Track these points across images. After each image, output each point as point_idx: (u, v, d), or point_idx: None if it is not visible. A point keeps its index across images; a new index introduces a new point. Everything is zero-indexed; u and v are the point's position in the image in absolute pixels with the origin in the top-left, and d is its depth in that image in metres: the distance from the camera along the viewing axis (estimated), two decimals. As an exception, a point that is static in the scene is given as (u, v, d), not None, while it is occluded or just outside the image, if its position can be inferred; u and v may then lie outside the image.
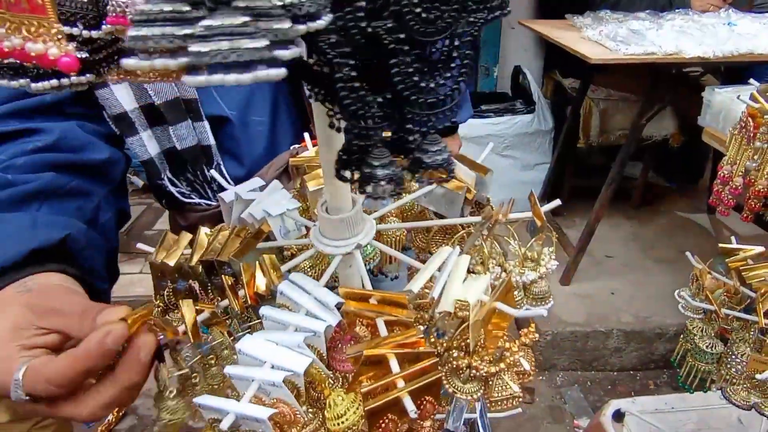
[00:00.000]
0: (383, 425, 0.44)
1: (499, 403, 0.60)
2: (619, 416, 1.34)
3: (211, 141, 0.89)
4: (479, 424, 0.76)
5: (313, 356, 0.46)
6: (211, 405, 0.42)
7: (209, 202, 0.94)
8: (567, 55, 2.43)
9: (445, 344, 0.55)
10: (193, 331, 0.51)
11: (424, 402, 0.46)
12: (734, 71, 2.73)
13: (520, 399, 0.61)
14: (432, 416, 0.48)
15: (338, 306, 0.51)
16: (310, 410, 0.48)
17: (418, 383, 0.45)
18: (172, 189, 0.92)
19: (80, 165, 0.78)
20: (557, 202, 0.68)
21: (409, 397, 0.44)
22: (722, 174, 0.93)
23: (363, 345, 0.47)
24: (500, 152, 3.29)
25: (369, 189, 0.38)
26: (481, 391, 0.58)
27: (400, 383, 0.45)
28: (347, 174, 0.40)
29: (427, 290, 0.58)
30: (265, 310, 0.50)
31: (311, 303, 0.50)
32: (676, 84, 2.52)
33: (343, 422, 0.45)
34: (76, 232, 0.70)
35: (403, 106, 0.37)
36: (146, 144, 0.86)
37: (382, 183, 0.38)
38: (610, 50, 2.27)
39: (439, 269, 0.57)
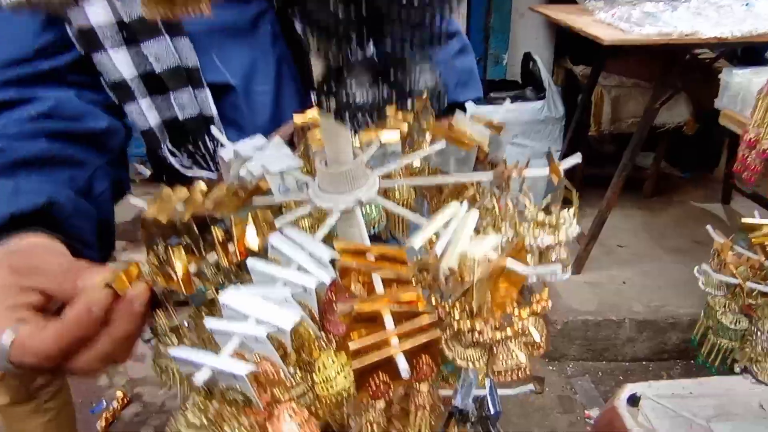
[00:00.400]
0: (374, 387, 0.40)
1: (504, 373, 0.55)
2: (634, 401, 1.29)
3: (213, 111, 0.87)
4: (489, 401, 0.72)
5: (303, 313, 0.42)
6: (186, 358, 0.38)
7: (210, 175, 0.92)
8: (578, 42, 2.38)
9: (447, 306, 0.51)
10: (185, 280, 0.48)
11: (420, 363, 0.42)
12: (750, 54, 2.66)
13: (528, 370, 0.57)
14: (429, 379, 0.43)
15: (332, 261, 0.47)
16: (299, 374, 0.43)
17: (414, 342, 0.41)
18: (173, 160, 0.90)
19: (76, 134, 0.76)
20: (578, 155, 0.61)
21: (402, 355, 0.39)
22: (748, 138, 0.88)
23: (355, 300, 0.42)
24: (510, 140, 3.23)
25: (347, 118, 0.34)
26: (484, 358, 0.53)
27: (395, 341, 0.40)
28: (325, 103, 0.36)
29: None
30: (251, 262, 0.45)
31: (304, 257, 0.46)
32: (689, 69, 2.45)
33: (332, 387, 0.41)
34: (64, 198, 0.68)
35: (383, 22, 0.32)
36: (145, 113, 0.84)
37: (362, 111, 0.34)
38: (623, 32, 2.21)
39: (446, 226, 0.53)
